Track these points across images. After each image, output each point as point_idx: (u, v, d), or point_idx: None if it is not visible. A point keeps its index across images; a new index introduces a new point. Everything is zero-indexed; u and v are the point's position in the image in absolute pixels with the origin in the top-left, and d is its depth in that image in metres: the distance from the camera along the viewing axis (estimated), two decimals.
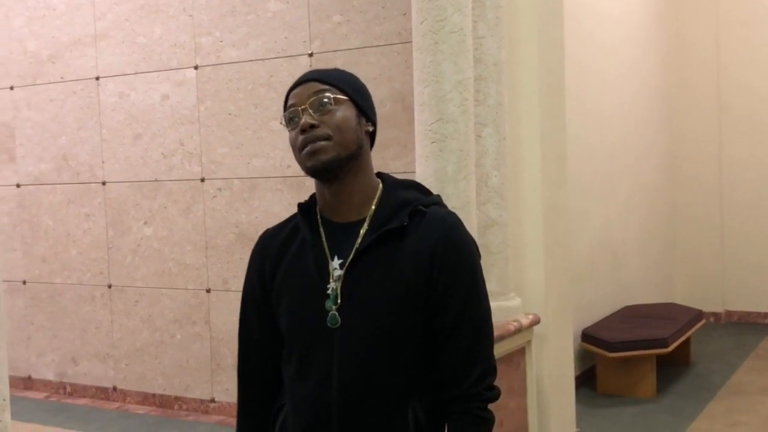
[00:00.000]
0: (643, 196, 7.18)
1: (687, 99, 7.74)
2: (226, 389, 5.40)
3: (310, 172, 1.65)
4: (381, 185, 1.72)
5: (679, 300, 7.47)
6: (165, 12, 5.39)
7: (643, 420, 5.06)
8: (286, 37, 5.00)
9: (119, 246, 5.75)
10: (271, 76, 5.07)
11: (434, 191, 3.69)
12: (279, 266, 1.72)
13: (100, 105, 5.71)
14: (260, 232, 5.68)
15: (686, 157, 7.77)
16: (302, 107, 1.65)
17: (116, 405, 5.77)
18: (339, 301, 1.62)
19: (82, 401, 5.87)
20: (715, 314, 7.69)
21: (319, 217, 1.72)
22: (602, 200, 6.35)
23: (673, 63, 7.72)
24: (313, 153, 1.62)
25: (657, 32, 7.48)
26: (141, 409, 5.65)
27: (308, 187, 4.95)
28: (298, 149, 1.65)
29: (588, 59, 5.94)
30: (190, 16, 5.30)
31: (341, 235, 1.67)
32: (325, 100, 1.64)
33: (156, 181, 5.55)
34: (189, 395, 5.57)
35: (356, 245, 1.64)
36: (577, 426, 4.52)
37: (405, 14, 4.61)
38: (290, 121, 1.68)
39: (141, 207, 5.64)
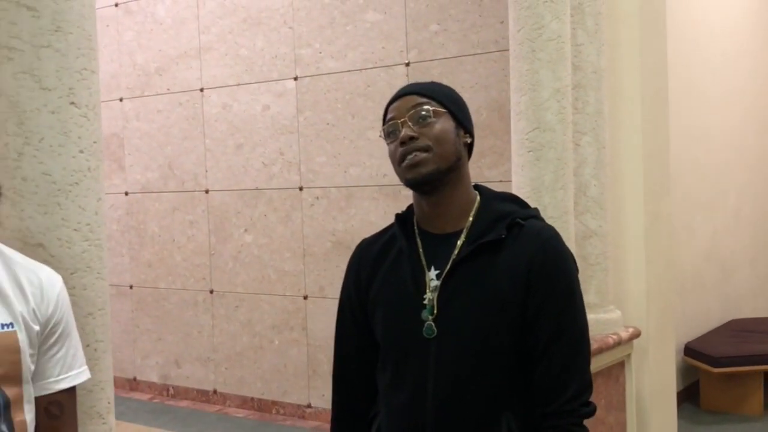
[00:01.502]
0: (754, 207, 6.92)
1: None
2: (322, 395, 5.47)
3: (410, 184, 1.66)
4: (478, 197, 1.72)
5: None
6: (267, 24, 5.52)
7: None
8: (383, 47, 5.04)
9: (221, 252, 5.90)
10: (368, 86, 5.11)
11: (531, 201, 3.67)
12: (375, 275, 1.74)
13: (204, 116, 5.88)
14: (356, 241, 5.69)
15: None
16: (402, 120, 1.66)
17: (216, 408, 5.91)
18: (435, 311, 1.62)
19: (183, 403, 6.05)
20: None
21: (416, 227, 1.73)
22: (710, 212, 6.14)
23: None
24: (414, 165, 1.62)
25: (765, 52, 7.21)
26: (240, 413, 5.78)
27: (405, 196, 4.98)
28: (397, 161, 1.66)
29: (694, 72, 5.78)
30: (291, 28, 5.41)
31: (438, 246, 1.68)
32: (424, 112, 1.65)
33: (257, 189, 5.68)
34: (286, 400, 5.66)
35: (453, 256, 1.64)
36: None
37: (502, 22, 4.58)
38: (390, 134, 1.69)
39: (242, 215, 5.78)
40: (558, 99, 3.55)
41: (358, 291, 1.77)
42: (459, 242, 1.65)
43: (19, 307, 1.54)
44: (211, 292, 5.97)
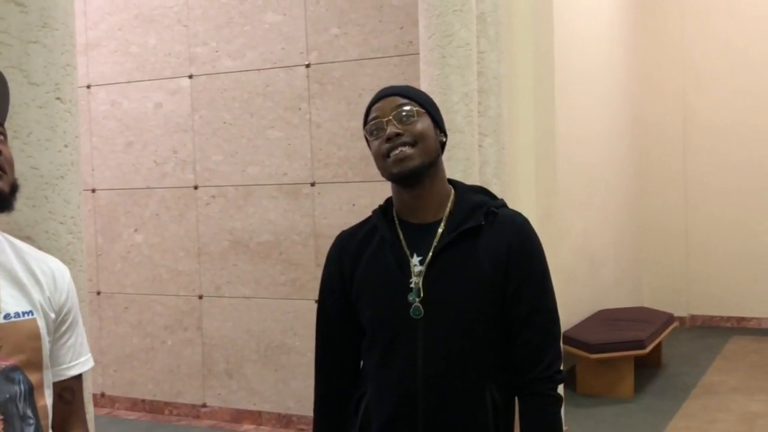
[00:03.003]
0: (619, 206, 7.48)
1: (653, 120, 8.06)
2: (218, 394, 5.49)
3: (396, 177, 1.79)
4: (453, 190, 1.87)
5: (647, 305, 7.78)
6: (160, 22, 5.48)
7: (626, 419, 5.29)
8: (282, 48, 5.13)
9: (108, 253, 5.79)
10: (268, 86, 5.19)
11: None
12: (358, 263, 1.86)
13: (91, 113, 5.76)
14: (255, 239, 5.81)
15: (653, 171, 8.08)
16: (386, 119, 1.79)
17: (105, 411, 5.80)
18: (421, 294, 1.77)
19: None
20: (680, 318, 7.99)
21: (396, 218, 1.86)
22: (582, 210, 6.60)
23: (642, 90, 8.04)
24: (401, 160, 1.76)
25: (628, 62, 7.80)
26: (131, 415, 5.70)
27: (305, 194, 5.10)
28: (382, 156, 1.79)
29: (568, 78, 6.20)
30: (185, 26, 5.40)
31: (418, 234, 1.82)
32: (408, 112, 1.79)
33: (148, 188, 5.62)
34: (180, 400, 5.64)
35: (435, 243, 1.79)
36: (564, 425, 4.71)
37: (402, 28, 4.78)
38: (373, 132, 1.81)
39: (132, 214, 5.70)
40: (466, 103, 3.77)
41: (341, 279, 1.89)
42: (439, 230, 1.81)
43: (36, 295, 1.58)
44: (98, 293, 5.84)
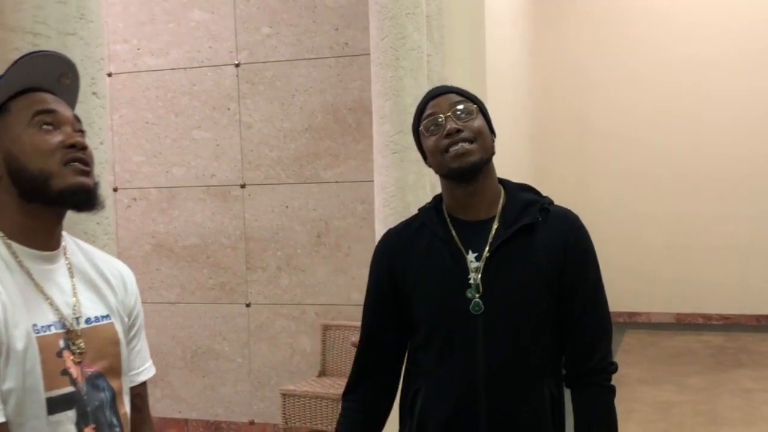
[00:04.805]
0: None
1: (552, 131, 8.40)
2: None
3: (455, 173, 1.79)
4: (503, 188, 1.91)
5: None
6: None
7: None
8: (210, 47, 5.02)
9: None
10: (194, 85, 5.06)
11: (395, 200, 3.93)
12: (411, 261, 1.86)
13: None
14: (180, 243, 5.69)
15: (550, 179, 8.41)
16: (446, 115, 1.80)
17: None
18: (480, 290, 1.79)
19: None
20: None
21: (446, 216, 1.88)
22: None
23: (540, 105, 8.36)
24: (461, 155, 1.77)
25: (527, 76, 8.09)
26: None
27: (234, 197, 5.01)
28: (441, 152, 1.79)
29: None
30: (104, 23, 5.18)
31: (472, 231, 1.84)
32: (467, 109, 1.81)
33: None
34: None
35: (490, 239, 1.81)
36: None
37: (337, 29, 4.78)
38: (430, 128, 1.82)
39: None
40: None
41: (392, 277, 1.88)
42: (494, 227, 1.83)
43: (111, 298, 1.50)
44: None
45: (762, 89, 7.94)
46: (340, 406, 4.79)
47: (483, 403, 1.77)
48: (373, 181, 4.49)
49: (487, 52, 6.05)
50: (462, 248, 1.83)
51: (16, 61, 1.40)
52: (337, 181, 4.80)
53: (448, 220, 1.88)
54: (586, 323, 1.84)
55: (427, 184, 3.89)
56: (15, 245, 1.40)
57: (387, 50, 3.79)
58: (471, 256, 1.82)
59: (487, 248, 1.81)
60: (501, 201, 1.87)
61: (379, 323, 1.92)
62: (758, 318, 8.03)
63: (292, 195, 4.94)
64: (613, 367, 1.86)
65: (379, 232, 3.94)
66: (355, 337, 4.13)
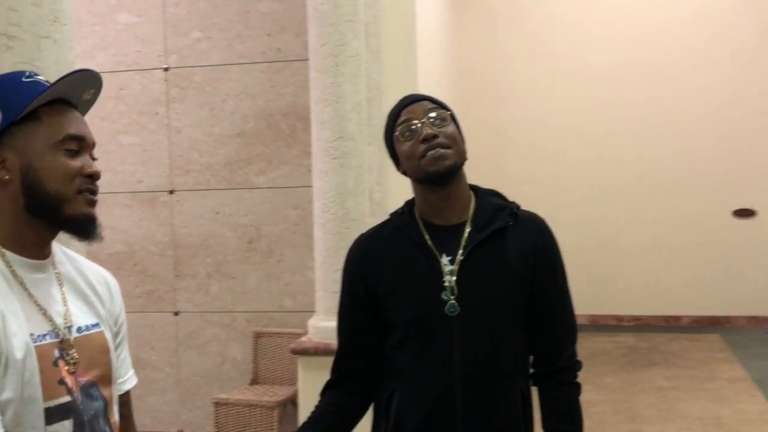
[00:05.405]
0: None
1: (471, 129, 8.55)
2: None
3: (431, 176, 1.82)
4: (473, 193, 1.96)
5: None
6: None
7: None
8: (138, 51, 4.92)
9: None
10: (121, 89, 4.95)
11: (334, 205, 3.95)
12: (385, 265, 1.89)
13: None
14: (106, 251, 5.60)
15: (471, 181, 8.55)
16: (422, 121, 1.84)
17: None
18: (456, 292, 1.83)
19: None
20: None
21: (420, 220, 1.91)
22: None
23: (462, 120, 8.52)
24: (438, 159, 1.81)
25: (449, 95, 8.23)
26: None
27: (162, 202, 4.93)
28: (417, 157, 1.83)
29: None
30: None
31: (445, 235, 1.88)
32: (441, 115, 1.85)
33: None
34: None
35: (464, 242, 1.86)
36: None
37: (270, 35, 4.76)
38: (405, 133, 1.85)
39: None
40: (358, 111, 3.86)
41: (366, 281, 1.90)
42: (467, 230, 1.88)
43: (99, 306, 1.48)
44: None
45: (672, 96, 8.28)
46: (274, 414, 4.77)
47: (459, 404, 1.81)
48: (306, 186, 4.52)
49: (418, 61, 6.15)
50: (436, 252, 1.87)
51: (67, 75, 1.40)
52: (269, 187, 4.78)
53: (421, 224, 1.91)
54: (554, 323, 1.90)
55: (367, 190, 3.92)
56: (8, 254, 1.37)
57: (327, 56, 3.82)
58: (445, 260, 1.86)
59: (461, 251, 1.86)
60: (472, 206, 1.92)
61: (355, 327, 1.94)
62: (667, 319, 8.37)
63: (222, 201, 4.89)
64: (579, 365, 1.93)
65: (318, 237, 3.95)
66: (294, 345, 4.13)
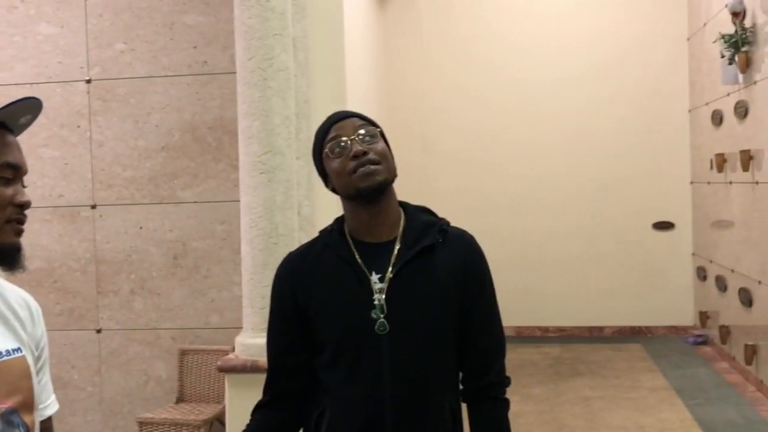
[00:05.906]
0: None
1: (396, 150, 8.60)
2: None
3: (362, 192, 1.82)
4: (403, 210, 1.96)
5: None
6: None
7: None
8: (59, 62, 4.80)
9: None
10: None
11: (263, 220, 3.92)
12: (315, 283, 1.87)
13: None
14: (27, 267, 5.46)
15: (398, 192, 8.58)
16: (351, 138, 1.83)
17: None
18: (385, 310, 1.83)
19: None
20: None
21: (349, 238, 1.90)
22: None
23: (388, 133, 8.57)
24: (368, 175, 1.80)
25: (376, 107, 8.26)
26: None
27: (83, 218, 4.81)
28: (348, 173, 1.82)
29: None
30: None
31: (375, 253, 1.87)
32: (371, 132, 1.85)
33: None
34: None
35: (393, 260, 1.86)
36: None
37: (195, 47, 4.70)
38: (335, 150, 1.84)
39: None
40: (286, 125, 3.84)
41: (295, 299, 1.88)
42: (396, 248, 1.88)
43: (20, 331, 1.43)
44: None
45: (596, 110, 8.46)
46: None
47: (389, 422, 1.81)
48: (233, 201, 4.46)
49: (347, 75, 6.15)
50: (365, 270, 1.86)
51: (11, 104, 1.37)
52: (195, 201, 4.70)
53: (351, 242, 1.90)
54: (483, 339, 1.91)
55: (295, 205, 3.90)
56: None
57: (254, 70, 3.79)
58: (375, 278, 1.85)
59: (390, 269, 1.86)
60: (402, 223, 1.92)
61: (285, 346, 1.92)
62: (591, 329, 8.53)
63: (147, 215, 4.79)
64: (507, 381, 1.94)
65: (246, 253, 3.91)
66: (221, 362, 4.07)
